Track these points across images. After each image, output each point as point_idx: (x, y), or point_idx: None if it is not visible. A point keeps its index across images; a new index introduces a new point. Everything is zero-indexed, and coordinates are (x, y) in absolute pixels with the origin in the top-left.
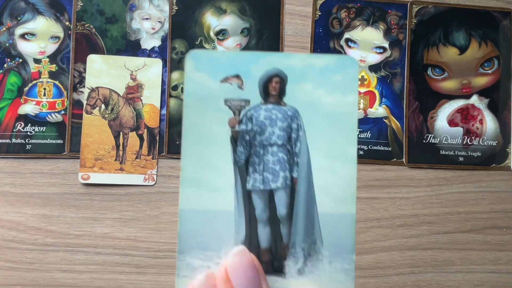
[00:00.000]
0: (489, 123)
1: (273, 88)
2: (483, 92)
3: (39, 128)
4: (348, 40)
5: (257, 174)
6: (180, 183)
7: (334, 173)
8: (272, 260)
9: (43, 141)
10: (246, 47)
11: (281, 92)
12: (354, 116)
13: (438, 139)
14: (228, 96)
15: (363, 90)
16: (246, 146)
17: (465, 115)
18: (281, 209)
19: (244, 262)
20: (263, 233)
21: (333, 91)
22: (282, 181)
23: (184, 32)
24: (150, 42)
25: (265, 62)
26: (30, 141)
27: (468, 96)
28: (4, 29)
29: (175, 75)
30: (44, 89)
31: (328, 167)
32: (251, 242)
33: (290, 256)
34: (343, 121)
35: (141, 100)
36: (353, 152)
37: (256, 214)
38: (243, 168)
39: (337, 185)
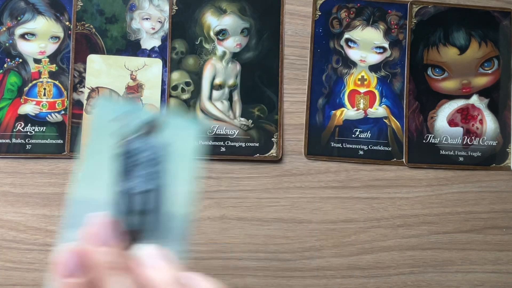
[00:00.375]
0: (489, 123)
1: (148, 128)
2: (483, 92)
3: (39, 128)
4: (348, 40)
5: (128, 181)
6: (72, 180)
7: (177, 186)
8: (131, 238)
9: (43, 141)
10: (246, 47)
11: (154, 131)
12: (193, 154)
13: (438, 139)
14: (117, 131)
15: (363, 90)
16: (123, 163)
17: (465, 115)
18: (142, 206)
19: (103, 221)
20: (128, 220)
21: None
22: (145, 186)
23: (184, 32)
24: (150, 42)
25: (143, 112)
26: (30, 141)
27: (468, 96)
28: (4, 29)
29: (175, 75)
30: (44, 89)
31: (174, 182)
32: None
33: (143, 240)
34: (186, 156)
35: (141, 100)
36: (191, 182)
37: (126, 208)
38: (120, 176)
39: (179, 192)
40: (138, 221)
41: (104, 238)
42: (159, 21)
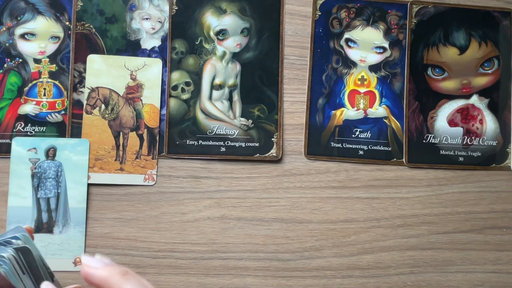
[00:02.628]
0: (489, 123)
1: (51, 153)
2: (483, 92)
3: (39, 128)
4: (348, 40)
5: (42, 190)
6: (8, 195)
7: (75, 189)
8: (48, 227)
9: None
10: (246, 47)
11: (54, 155)
12: (81, 166)
13: (438, 139)
14: (31, 157)
15: (363, 90)
16: (37, 178)
17: (465, 115)
18: (53, 205)
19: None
20: (44, 216)
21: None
22: (54, 192)
23: (184, 32)
24: (150, 42)
25: (48, 142)
26: None
27: (468, 96)
28: (4, 29)
29: (175, 75)
30: (44, 89)
31: (73, 187)
32: (38, 220)
33: (56, 226)
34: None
35: (141, 100)
36: (84, 186)
37: (41, 208)
38: (36, 187)
39: (76, 194)
40: (53, 215)
41: None
42: (159, 21)
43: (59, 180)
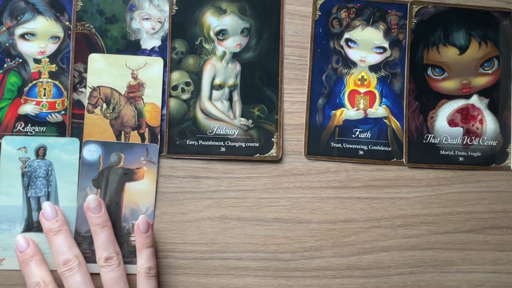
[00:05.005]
0: (489, 123)
1: (41, 152)
2: (483, 92)
3: (39, 128)
4: (348, 40)
5: (32, 189)
6: None
7: (65, 188)
8: (38, 226)
9: None
10: (246, 47)
11: (44, 154)
12: (76, 164)
13: (438, 139)
14: (20, 155)
15: (363, 90)
16: (27, 177)
17: (465, 115)
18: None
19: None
20: (35, 215)
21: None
22: (44, 191)
23: (184, 32)
24: (150, 42)
25: (37, 141)
26: None
27: (468, 96)
28: (4, 29)
29: (175, 75)
30: (44, 89)
31: (64, 186)
32: (28, 219)
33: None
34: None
35: (142, 99)
36: (75, 185)
37: (32, 207)
38: (26, 186)
39: (67, 193)
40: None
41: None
42: (159, 21)
43: (49, 179)
